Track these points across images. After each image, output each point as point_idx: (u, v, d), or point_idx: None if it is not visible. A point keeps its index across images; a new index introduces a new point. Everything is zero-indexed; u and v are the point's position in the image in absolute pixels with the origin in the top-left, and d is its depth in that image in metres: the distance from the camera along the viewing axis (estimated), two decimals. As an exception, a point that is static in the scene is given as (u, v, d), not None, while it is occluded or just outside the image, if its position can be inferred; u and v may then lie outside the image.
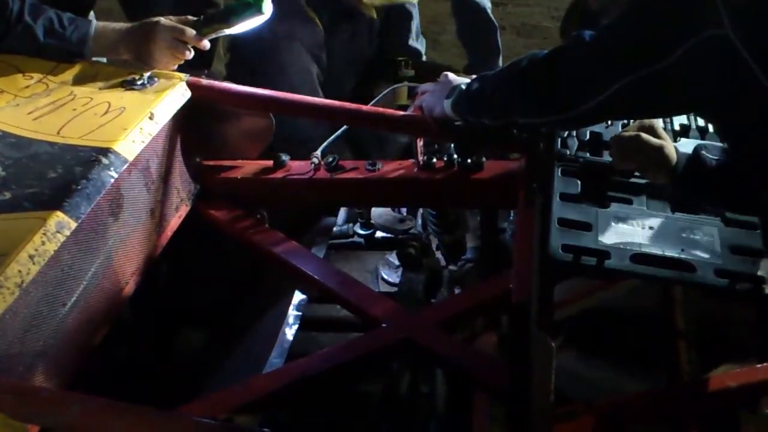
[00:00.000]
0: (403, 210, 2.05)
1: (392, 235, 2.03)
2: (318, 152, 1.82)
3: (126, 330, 1.67)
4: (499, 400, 1.44)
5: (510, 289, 1.45)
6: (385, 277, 2.09)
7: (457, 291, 1.95)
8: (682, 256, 1.26)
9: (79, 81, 1.71)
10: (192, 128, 1.79)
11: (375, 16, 2.52)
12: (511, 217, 1.96)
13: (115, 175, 1.45)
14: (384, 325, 1.56)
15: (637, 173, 1.41)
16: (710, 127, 1.49)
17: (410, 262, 1.93)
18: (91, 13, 2.16)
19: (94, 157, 1.45)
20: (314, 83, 2.49)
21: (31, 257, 1.25)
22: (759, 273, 1.23)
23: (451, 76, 1.63)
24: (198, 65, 1.92)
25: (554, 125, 1.45)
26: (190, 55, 1.77)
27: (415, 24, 2.67)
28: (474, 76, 1.54)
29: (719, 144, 1.35)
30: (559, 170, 1.45)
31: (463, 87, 1.54)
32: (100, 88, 1.69)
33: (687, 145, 1.34)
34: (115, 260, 1.52)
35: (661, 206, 1.37)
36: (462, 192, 1.78)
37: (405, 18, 2.64)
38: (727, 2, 1.04)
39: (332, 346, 1.69)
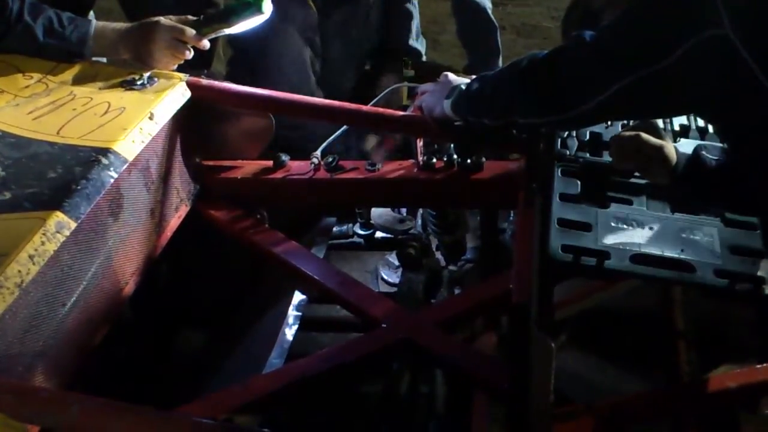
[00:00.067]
0: (403, 210, 2.05)
1: (392, 236, 2.03)
2: (318, 152, 1.82)
3: (126, 330, 1.67)
4: (498, 401, 1.44)
5: (510, 289, 1.45)
6: (385, 277, 2.09)
7: (457, 291, 1.95)
8: (682, 256, 1.26)
9: (79, 81, 1.71)
10: (192, 128, 1.79)
11: None
12: (511, 218, 1.96)
13: (115, 175, 1.45)
14: (384, 325, 1.56)
15: (637, 173, 1.41)
16: (710, 128, 1.49)
17: (410, 263, 1.93)
18: (91, 13, 2.17)
19: (93, 157, 1.45)
20: (305, 67, 2.47)
21: (30, 257, 1.25)
22: (759, 273, 1.23)
23: (451, 76, 1.63)
24: (198, 65, 1.92)
25: (554, 125, 1.45)
26: (190, 55, 1.77)
27: (416, 24, 2.67)
28: (474, 77, 1.54)
29: (719, 144, 1.35)
30: (559, 170, 1.45)
31: (463, 87, 1.54)
32: (99, 88, 1.69)
33: (687, 146, 1.34)
34: (115, 260, 1.52)
35: (661, 207, 1.37)
36: (462, 192, 1.78)
37: (405, 18, 2.64)
38: (727, 2, 1.04)
39: (332, 346, 1.69)
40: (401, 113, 1.81)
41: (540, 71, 1.30)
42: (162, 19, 1.75)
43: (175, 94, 1.69)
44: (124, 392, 1.22)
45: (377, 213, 2.04)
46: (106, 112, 1.59)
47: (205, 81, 1.77)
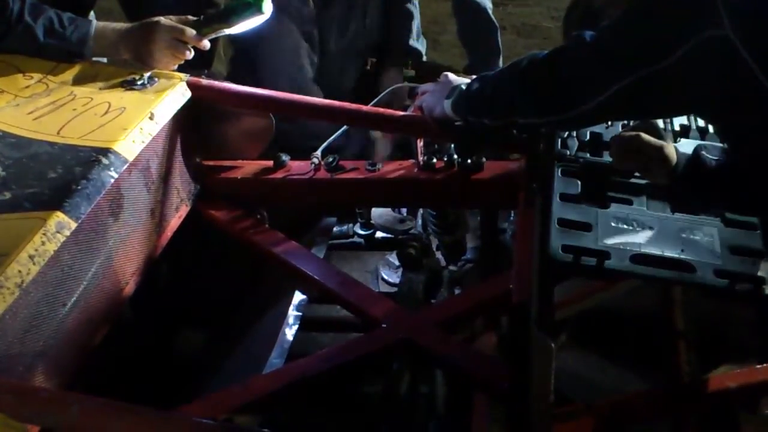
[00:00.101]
0: (403, 210, 2.05)
1: (392, 236, 2.03)
2: (318, 152, 1.82)
3: (126, 330, 1.67)
4: (498, 401, 1.44)
5: (510, 289, 1.45)
6: (385, 277, 2.09)
7: (457, 291, 1.95)
8: (682, 256, 1.26)
9: (79, 81, 1.71)
10: (192, 128, 1.79)
11: None
12: (511, 218, 1.96)
13: (115, 175, 1.45)
14: (384, 325, 1.56)
15: (637, 173, 1.41)
16: (710, 128, 1.49)
17: (410, 263, 1.93)
18: (91, 13, 2.16)
19: (94, 157, 1.45)
20: (300, 58, 2.44)
21: (31, 257, 1.25)
22: (759, 273, 1.23)
23: (451, 76, 1.63)
24: (198, 65, 1.92)
25: (554, 125, 1.45)
26: (190, 55, 1.77)
27: (416, 24, 2.67)
28: (474, 77, 1.54)
29: (719, 144, 1.35)
30: (559, 170, 1.45)
31: (464, 87, 1.54)
32: (100, 88, 1.69)
33: (687, 146, 1.34)
34: (115, 260, 1.52)
35: (661, 207, 1.37)
36: (462, 192, 1.78)
37: (406, 18, 2.64)
38: (727, 2, 1.04)
39: (332, 346, 1.69)
40: (401, 113, 1.81)
41: (540, 71, 1.31)
42: (162, 19, 1.75)
43: (175, 94, 1.69)
44: (124, 392, 1.22)
45: (377, 213, 2.04)
46: (106, 112, 1.59)
47: (205, 81, 1.77)
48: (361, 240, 2.09)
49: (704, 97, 1.16)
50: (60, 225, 1.31)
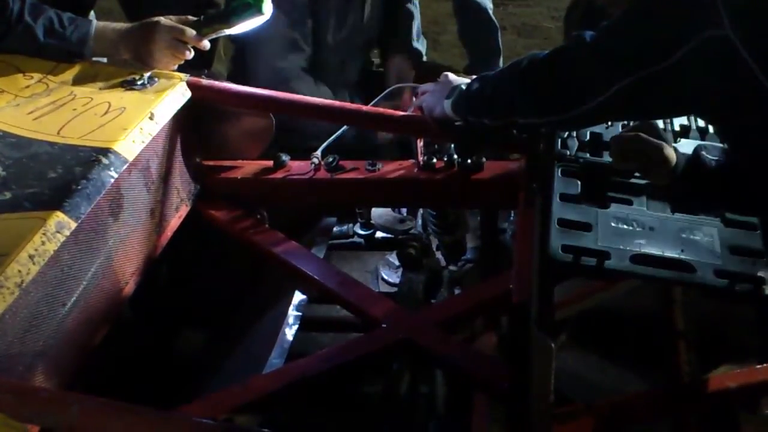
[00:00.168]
0: (403, 210, 2.05)
1: (392, 236, 2.03)
2: (318, 152, 1.82)
3: (126, 330, 1.67)
4: (498, 401, 1.44)
5: (510, 289, 1.45)
6: (385, 277, 2.09)
7: (457, 291, 1.95)
8: (682, 256, 1.26)
9: (79, 81, 1.71)
10: (192, 128, 1.79)
11: None
12: (511, 218, 1.96)
13: (115, 175, 1.45)
14: (384, 325, 1.56)
15: (637, 174, 1.41)
16: (710, 128, 1.49)
17: (410, 263, 1.93)
18: (91, 13, 2.17)
19: (94, 157, 1.45)
20: (287, 46, 2.36)
21: (31, 257, 1.25)
22: (759, 273, 1.23)
23: (451, 76, 1.63)
24: (198, 65, 1.92)
25: (554, 125, 1.45)
26: (190, 55, 1.77)
27: (416, 24, 2.66)
28: (474, 77, 1.54)
29: (719, 144, 1.35)
30: (559, 170, 1.45)
31: (464, 87, 1.54)
32: (100, 88, 1.69)
33: (687, 146, 1.34)
34: (115, 260, 1.52)
35: (661, 207, 1.37)
36: (462, 192, 1.78)
37: (406, 18, 2.64)
38: (727, 3, 1.04)
39: (332, 346, 1.69)
40: (401, 113, 1.81)
41: (540, 71, 1.31)
42: (162, 19, 1.75)
43: (175, 94, 1.69)
44: (124, 392, 1.22)
45: (377, 213, 2.04)
46: (106, 112, 1.59)
47: (205, 81, 1.78)
48: (361, 240, 2.09)
49: (704, 98, 1.16)
50: (60, 225, 1.31)
